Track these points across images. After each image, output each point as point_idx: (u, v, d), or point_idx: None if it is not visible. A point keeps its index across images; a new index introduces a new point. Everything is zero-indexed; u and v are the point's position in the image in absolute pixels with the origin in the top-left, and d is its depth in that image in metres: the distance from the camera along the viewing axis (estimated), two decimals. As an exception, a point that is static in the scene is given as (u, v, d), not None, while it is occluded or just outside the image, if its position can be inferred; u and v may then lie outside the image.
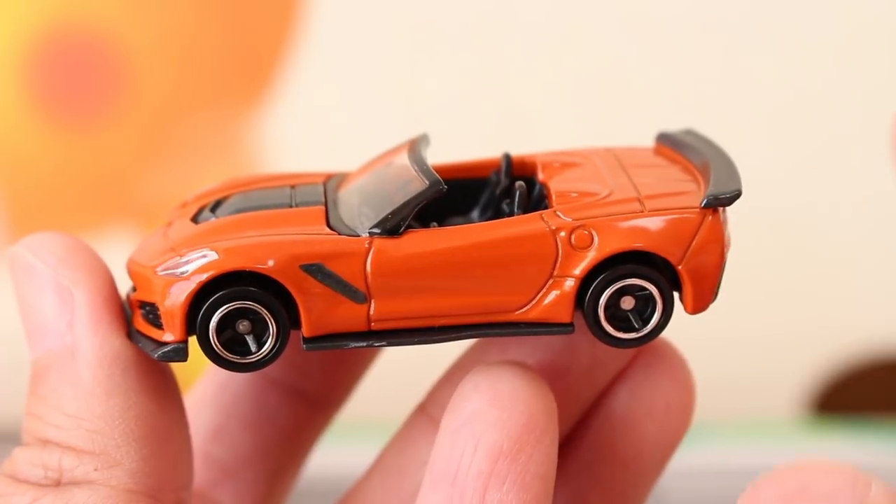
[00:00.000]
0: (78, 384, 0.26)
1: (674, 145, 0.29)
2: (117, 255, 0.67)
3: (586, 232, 0.26)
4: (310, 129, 0.62)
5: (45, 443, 0.26)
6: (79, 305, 0.26)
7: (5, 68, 0.62)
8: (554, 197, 0.27)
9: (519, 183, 0.28)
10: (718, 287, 0.26)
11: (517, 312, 0.26)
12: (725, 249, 0.26)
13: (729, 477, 0.54)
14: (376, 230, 0.26)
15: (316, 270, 0.26)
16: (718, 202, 0.25)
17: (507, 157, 0.30)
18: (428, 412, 0.30)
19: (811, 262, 0.63)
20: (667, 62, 0.61)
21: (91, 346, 0.26)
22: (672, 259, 0.26)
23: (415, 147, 0.29)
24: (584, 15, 0.61)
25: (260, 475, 0.31)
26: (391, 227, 0.26)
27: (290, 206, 0.28)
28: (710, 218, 0.25)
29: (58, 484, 0.26)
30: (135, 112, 0.62)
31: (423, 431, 0.29)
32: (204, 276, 0.26)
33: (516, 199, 0.27)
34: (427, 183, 0.27)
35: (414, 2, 0.61)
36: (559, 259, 0.26)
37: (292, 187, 0.29)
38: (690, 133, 0.29)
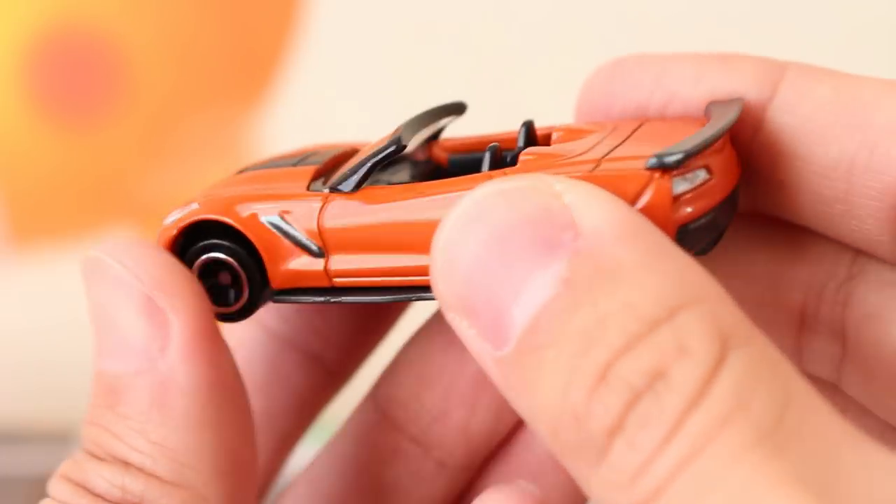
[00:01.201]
0: (169, 413, 0.25)
1: (707, 114, 0.29)
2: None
3: None
4: (310, 129, 0.62)
5: (127, 466, 0.25)
6: (176, 334, 0.25)
7: (5, 68, 0.62)
8: (520, 159, 0.26)
9: (493, 144, 0.28)
10: None
11: None
12: (671, 213, 0.24)
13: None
14: (334, 187, 0.26)
15: (276, 224, 0.26)
16: (661, 164, 0.24)
17: (526, 126, 0.29)
18: (378, 402, 0.29)
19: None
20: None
21: (187, 378, 0.25)
22: None
23: (424, 113, 0.29)
24: (585, 14, 0.61)
25: (268, 439, 0.31)
26: (347, 184, 0.26)
27: (294, 166, 0.28)
28: (657, 180, 0.24)
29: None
30: (135, 112, 0.62)
31: (375, 425, 0.29)
32: (179, 226, 0.27)
33: (486, 160, 0.27)
34: (387, 141, 0.27)
35: (414, 2, 0.61)
36: None
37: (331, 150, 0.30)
38: (736, 101, 0.28)
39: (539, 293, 0.20)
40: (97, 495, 0.25)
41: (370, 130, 0.62)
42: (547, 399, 0.20)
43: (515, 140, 0.29)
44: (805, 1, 0.61)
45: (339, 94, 0.62)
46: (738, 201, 0.27)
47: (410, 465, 0.29)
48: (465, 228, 0.21)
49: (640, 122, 0.28)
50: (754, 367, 0.19)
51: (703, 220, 0.25)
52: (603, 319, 0.20)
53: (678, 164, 0.24)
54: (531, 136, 0.29)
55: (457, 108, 0.30)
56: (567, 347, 0.20)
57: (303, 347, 0.31)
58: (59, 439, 0.59)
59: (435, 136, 0.32)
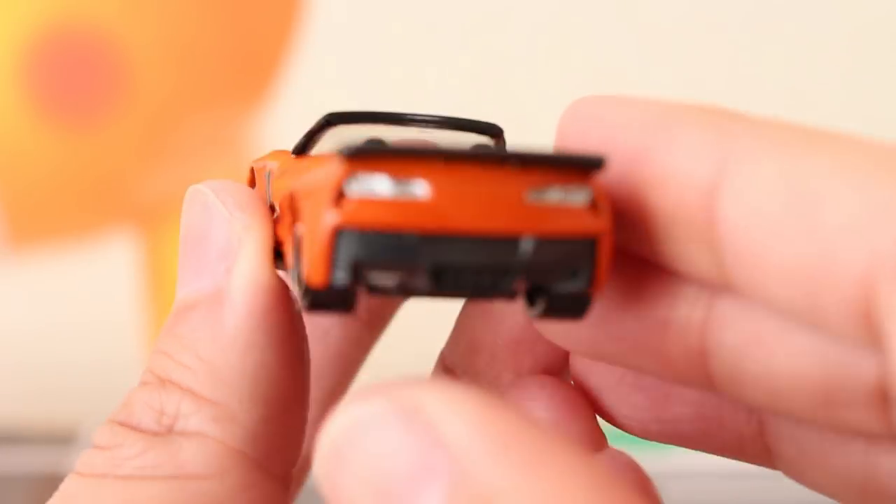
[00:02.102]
0: (220, 330, 0.25)
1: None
2: (117, 255, 0.67)
3: None
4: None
5: (165, 382, 0.25)
6: (243, 253, 0.25)
7: (5, 68, 0.62)
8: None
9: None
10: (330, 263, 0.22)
11: None
12: (333, 204, 0.21)
13: (729, 478, 0.54)
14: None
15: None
16: (345, 151, 0.21)
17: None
18: (445, 363, 0.29)
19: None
20: (670, 63, 0.61)
21: (243, 296, 0.25)
22: None
23: (457, 118, 0.29)
24: (587, 15, 0.61)
25: (314, 398, 0.31)
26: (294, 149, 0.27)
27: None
28: (337, 163, 0.22)
29: (169, 431, 0.25)
30: (135, 112, 0.62)
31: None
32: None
33: None
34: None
35: (415, 2, 0.61)
36: None
37: None
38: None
39: None
40: (133, 427, 0.25)
41: (371, 130, 0.62)
42: None
43: None
44: (807, 2, 0.61)
45: (339, 94, 0.62)
46: (519, 258, 0.22)
47: None
48: (340, 463, 0.20)
49: None
50: None
51: (387, 236, 0.21)
52: None
53: (357, 154, 0.21)
54: None
55: (489, 129, 0.29)
56: None
57: (397, 298, 0.31)
58: (59, 440, 0.59)
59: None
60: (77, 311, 0.64)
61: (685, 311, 0.23)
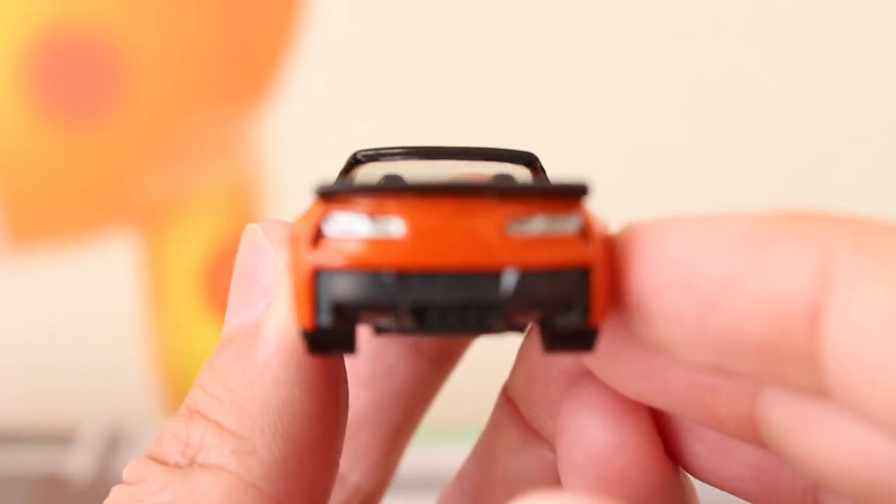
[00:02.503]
0: (251, 363, 0.25)
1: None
2: (117, 254, 0.67)
3: None
4: (310, 129, 0.62)
5: (194, 413, 0.25)
6: (282, 288, 0.25)
7: (4, 68, 0.62)
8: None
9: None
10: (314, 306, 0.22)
11: None
12: (311, 247, 0.21)
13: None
14: None
15: None
16: (318, 190, 0.21)
17: None
18: (507, 394, 0.29)
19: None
20: (672, 66, 0.61)
21: (276, 331, 0.25)
22: None
23: (487, 149, 0.28)
24: (589, 18, 0.61)
25: (378, 435, 0.30)
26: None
27: None
28: (316, 207, 0.22)
29: (191, 463, 0.24)
30: (135, 112, 0.62)
31: (507, 415, 0.29)
32: None
33: None
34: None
35: (416, 2, 0.61)
36: None
37: None
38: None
39: None
40: (159, 461, 0.25)
41: (371, 130, 0.62)
42: None
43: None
44: (809, 4, 0.60)
45: (339, 94, 0.62)
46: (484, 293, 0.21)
47: (536, 456, 0.28)
48: None
49: None
50: None
51: (366, 276, 0.21)
52: None
53: (328, 193, 0.21)
54: None
55: (523, 157, 0.28)
56: None
57: (403, 338, 0.31)
58: (59, 440, 0.59)
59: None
60: (77, 311, 0.64)
61: (735, 381, 0.23)
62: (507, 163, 0.28)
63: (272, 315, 0.25)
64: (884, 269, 0.20)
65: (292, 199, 0.63)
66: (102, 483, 0.55)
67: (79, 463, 0.57)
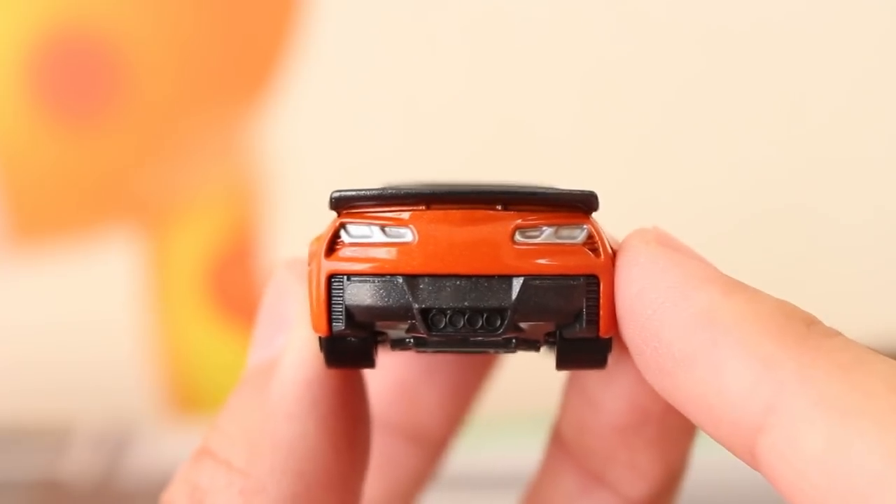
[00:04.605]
0: (264, 399, 0.24)
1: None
2: (118, 253, 0.67)
3: None
4: (310, 129, 0.62)
5: (203, 454, 0.24)
6: (300, 325, 0.25)
7: (7, 68, 0.62)
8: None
9: None
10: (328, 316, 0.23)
11: None
12: (327, 254, 0.22)
13: (731, 478, 0.54)
14: None
15: None
16: (331, 199, 0.22)
17: None
18: (559, 438, 0.28)
19: (810, 262, 0.63)
20: (672, 66, 0.61)
21: (292, 364, 0.24)
22: None
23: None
24: (589, 19, 0.61)
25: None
26: None
27: None
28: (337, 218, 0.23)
29: None
30: (136, 112, 0.62)
31: (561, 461, 0.28)
32: None
33: None
34: None
35: (415, 2, 0.61)
36: None
37: None
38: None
39: None
40: None
41: (371, 130, 0.62)
42: None
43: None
44: (807, 6, 0.61)
45: (339, 94, 0.62)
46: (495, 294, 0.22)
47: (592, 499, 0.28)
48: None
49: None
50: None
51: (378, 281, 0.22)
52: None
53: (342, 200, 0.22)
54: None
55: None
56: None
57: (402, 425, 0.30)
58: (57, 439, 0.59)
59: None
60: (78, 310, 0.64)
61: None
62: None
63: (290, 349, 0.25)
64: (825, 413, 0.19)
65: (292, 198, 0.63)
66: (102, 483, 0.54)
67: (78, 463, 0.57)
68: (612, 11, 0.61)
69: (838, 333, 0.21)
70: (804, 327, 0.21)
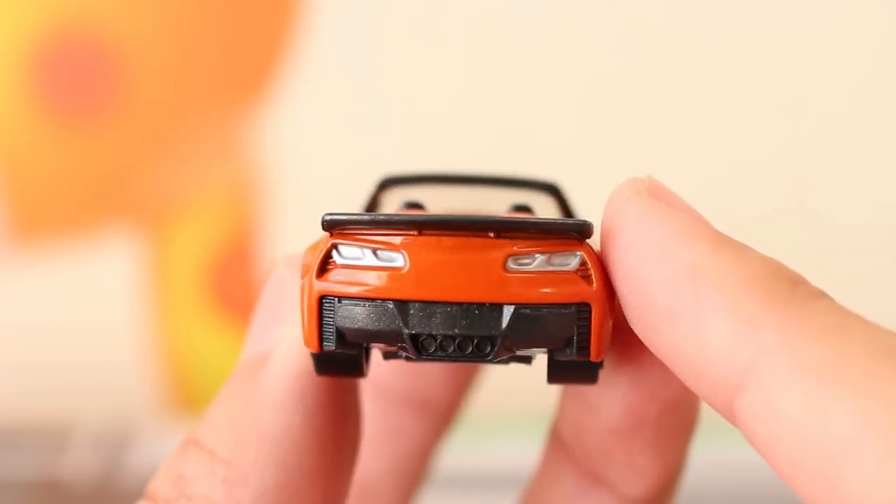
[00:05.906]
0: (252, 391, 0.24)
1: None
2: (118, 253, 0.67)
3: None
4: (311, 129, 0.62)
5: (189, 444, 0.24)
6: (294, 317, 0.25)
7: (7, 68, 0.62)
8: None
9: None
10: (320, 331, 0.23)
11: None
12: (317, 275, 0.22)
13: (732, 477, 0.54)
14: None
15: None
16: (324, 222, 0.22)
17: None
18: (558, 438, 0.28)
19: (810, 262, 0.63)
20: (671, 67, 0.61)
21: (281, 359, 0.24)
22: None
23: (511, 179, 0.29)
24: (589, 19, 0.61)
25: (393, 494, 0.30)
26: None
27: None
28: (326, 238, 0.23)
29: (181, 496, 0.24)
30: (136, 112, 0.62)
31: (560, 460, 0.28)
32: None
33: None
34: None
35: (416, 2, 0.61)
36: None
37: None
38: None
39: None
40: (153, 497, 0.24)
41: (371, 130, 0.62)
42: None
43: None
44: (805, 6, 0.61)
45: (339, 94, 0.62)
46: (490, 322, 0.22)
47: (596, 503, 0.28)
48: None
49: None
50: None
51: (369, 305, 0.22)
52: None
53: (334, 225, 0.22)
54: None
55: (545, 187, 0.29)
56: None
57: (409, 396, 0.30)
58: (58, 439, 0.59)
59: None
60: (78, 309, 0.64)
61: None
62: (531, 190, 0.28)
63: (281, 342, 0.25)
64: (803, 377, 0.19)
65: (292, 198, 0.63)
66: (102, 483, 0.54)
67: (78, 463, 0.57)
68: (612, 13, 0.61)
69: (823, 295, 0.21)
70: (789, 288, 0.21)
